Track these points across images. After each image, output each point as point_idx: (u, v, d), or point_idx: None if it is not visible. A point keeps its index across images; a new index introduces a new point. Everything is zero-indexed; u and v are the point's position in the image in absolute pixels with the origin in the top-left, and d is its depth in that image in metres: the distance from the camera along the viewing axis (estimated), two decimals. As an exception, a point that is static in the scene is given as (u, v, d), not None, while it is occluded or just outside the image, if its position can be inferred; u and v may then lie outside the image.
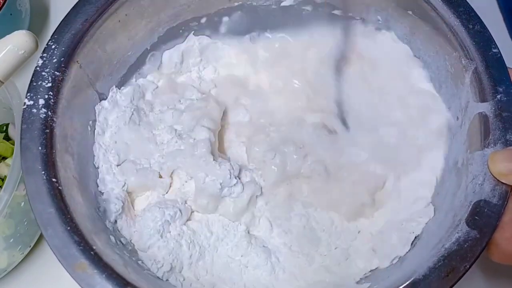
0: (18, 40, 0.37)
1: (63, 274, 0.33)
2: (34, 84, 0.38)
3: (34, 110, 0.38)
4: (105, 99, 0.45)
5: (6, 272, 0.48)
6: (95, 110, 0.44)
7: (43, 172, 0.36)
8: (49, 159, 0.36)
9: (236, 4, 0.48)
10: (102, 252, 0.34)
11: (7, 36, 0.37)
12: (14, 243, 0.46)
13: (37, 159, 0.36)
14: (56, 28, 0.40)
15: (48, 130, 0.37)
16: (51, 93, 0.38)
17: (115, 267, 0.34)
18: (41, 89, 0.38)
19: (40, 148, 0.36)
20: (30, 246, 0.48)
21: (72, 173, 0.38)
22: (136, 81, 0.48)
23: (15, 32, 0.37)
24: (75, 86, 0.41)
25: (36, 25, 0.61)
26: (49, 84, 0.38)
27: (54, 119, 0.38)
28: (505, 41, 0.59)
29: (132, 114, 0.45)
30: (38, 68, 0.39)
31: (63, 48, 0.40)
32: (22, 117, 0.37)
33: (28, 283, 0.49)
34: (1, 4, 0.52)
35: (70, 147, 0.39)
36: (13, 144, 0.50)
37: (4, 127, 0.52)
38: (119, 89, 0.46)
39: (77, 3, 0.41)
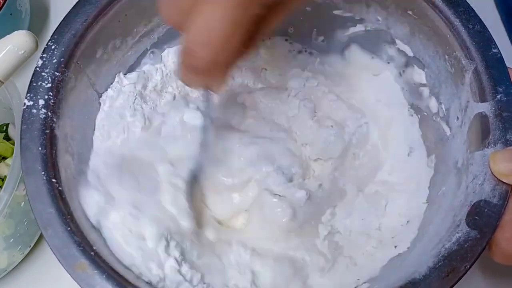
0: (18, 40, 0.37)
1: (63, 274, 0.33)
2: (34, 84, 0.38)
3: (34, 111, 0.38)
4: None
5: (6, 272, 0.48)
6: (99, 103, 0.44)
7: (43, 173, 0.36)
8: (49, 159, 0.36)
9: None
10: (102, 252, 0.34)
11: (7, 36, 0.37)
12: (14, 243, 0.46)
13: (37, 160, 0.36)
14: (56, 29, 0.40)
15: (48, 131, 0.37)
16: (51, 94, 0.38)
17: (115, 268, 0.34)
18: (41, 89, 0.38)
19: (40, 148, 0.36)
20: (30, 246, 0.48)
21: (72, 173, 0.38)
22: (142, 68, 0.48)
23: (15, 32, 0.37)
24: (75, 87, 0.41)
25: (36, 25, 0.61)
26: (49, 85, 0.38)
27: (54, 119, 0.38)
28: (503, 42, 0.59)
29: (136, 98, 0.46)
30: (38, 69, 0.39)
31: (63, 49, 0.40)
32: (22, 118, 0.37)
33: (28, 283, 0.49)
34: (1, 4, 0.52)
35: (70, 147, 0.39)
36: (13, 144, 0.50)
37: (4, 127, 0.52)
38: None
39: (76, 3, 0.41)
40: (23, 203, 0.44)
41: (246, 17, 0.28)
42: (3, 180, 0.49)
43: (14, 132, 0.51)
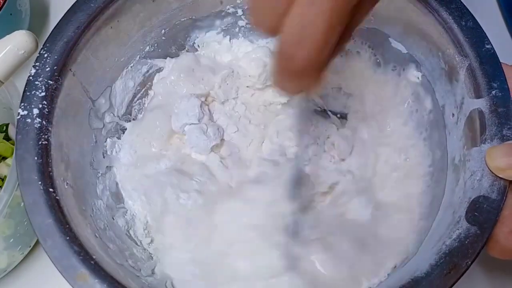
0: (18, 40, 0.37)
1: (63, 274, 0.33)
2: (28, 93, 0.38)
3: (29, 120, 0.37)
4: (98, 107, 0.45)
5: (6, 272, 0.47)
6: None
7: (39, 183, 0.35)
8: (45, 169, 0.36)
9: (228, 7, 0.48)
10: (102, 261, 0.34)
11: (7, 36, 0.37)
12: (14, 243, 0.45)
13: (33, 170, 0.36)
14: (48, 37, 0.40)
15: (43, 140, 0.37)
16: (45, 102, 0.38)
17: (115, 276, 0.34)
18: (34, 98, 0.38)
19: (36, 158, 0.36)
20: (30, 246, 0.48)
21: (69, 182, 0.38)
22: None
23: (15, 32, 0.37)
24: (69, 95, 0.40)
25: (36, 25, 0.61)
26: (43, 93, 0.38)
27: (49, 128, 0.38)
28: (504, 38, 0.58)
29: None
30: (31, 78, 0.38)
31: (56, 57, 0.39)
32: (17, 128, 0.37)
33: (28, 283, 0.49)
34: (1, 4, 0.52)
35: (66, 156, 0.39)
36: (13, 144, 0.50)
37: (4, 127, 0.52)
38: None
39: (68, 10, 0.41)
40: (23, 203, 0.43)
41: (345, 9, 0.26)
42: (3, 180, 0.49)
43: (14, 132, 0.51)
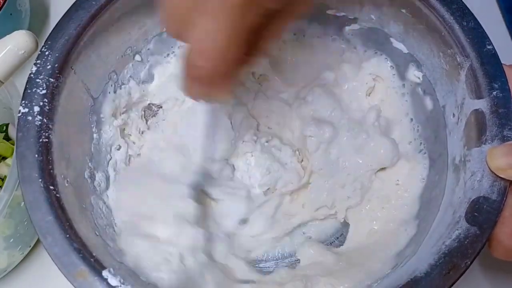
0: (18, 40, 0.37)
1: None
2: (29, 91, 0.38)
3: (30, 118, 0.37)
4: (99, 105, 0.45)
5: (6, 272, 0.48)
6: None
7: (40, 180, 0.35)
8: (45, 166, 0.36)
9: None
10: (102, 259, 0.34)
11: (7, 36, 0.37)
12: (14, 243, 0.46)
13: (33, 167, 0.36)
14: (49, 35, 0.40)
15: (44, 138, 0.37)
16: (46, 100, 0.38)
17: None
18: (35, 96, 0.38)
19: (36, 156, 0.36)
20: (30, 246, 0.48)
21: (69, 179, 0.38)
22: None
23: (15, 32, 0.37)
24: (70, 92, 0.40)
25: (36, 25, 0.62)
26: (44, 91, 0.38)
27: (50, 126, 0.38)
28: (504, 39, 0.59)
29: None
30: (32, 75, 0.39)
31: (57, 54, 0.39)
32: (18, 125, 0.37)
33: (28, 283, 0.49)
34: (1, 4, 0.52)
35: (67, 153, 0.39)
36: (13, 144, 0.50)
37: (4, 127, 0.52)
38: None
39: (69, 8, 0.41)
40: (23, 203, 0.43)
41: (243, 26, 0.28)
42: (3, 180, 0.49)
43: (14, 132, 0.51)
